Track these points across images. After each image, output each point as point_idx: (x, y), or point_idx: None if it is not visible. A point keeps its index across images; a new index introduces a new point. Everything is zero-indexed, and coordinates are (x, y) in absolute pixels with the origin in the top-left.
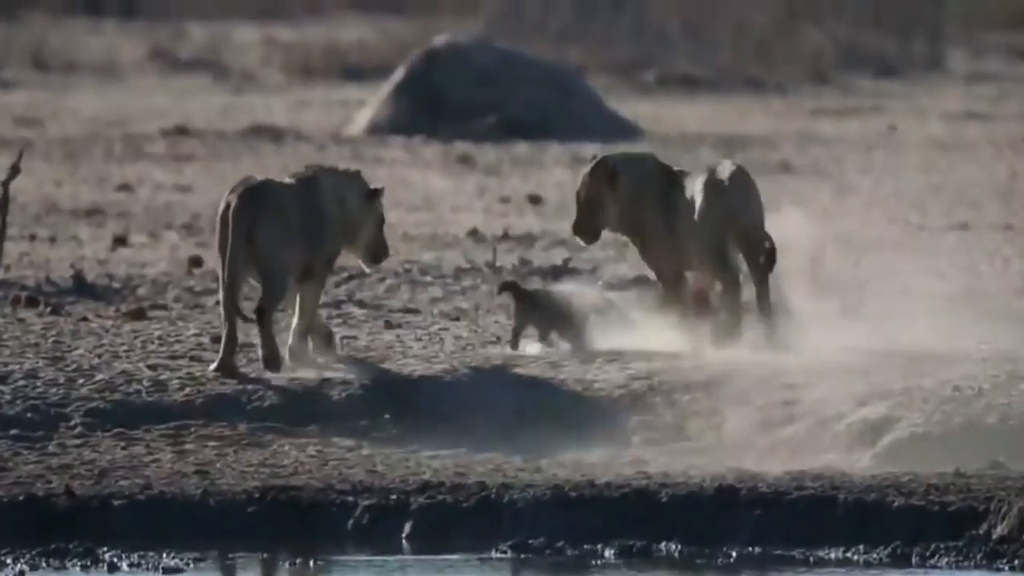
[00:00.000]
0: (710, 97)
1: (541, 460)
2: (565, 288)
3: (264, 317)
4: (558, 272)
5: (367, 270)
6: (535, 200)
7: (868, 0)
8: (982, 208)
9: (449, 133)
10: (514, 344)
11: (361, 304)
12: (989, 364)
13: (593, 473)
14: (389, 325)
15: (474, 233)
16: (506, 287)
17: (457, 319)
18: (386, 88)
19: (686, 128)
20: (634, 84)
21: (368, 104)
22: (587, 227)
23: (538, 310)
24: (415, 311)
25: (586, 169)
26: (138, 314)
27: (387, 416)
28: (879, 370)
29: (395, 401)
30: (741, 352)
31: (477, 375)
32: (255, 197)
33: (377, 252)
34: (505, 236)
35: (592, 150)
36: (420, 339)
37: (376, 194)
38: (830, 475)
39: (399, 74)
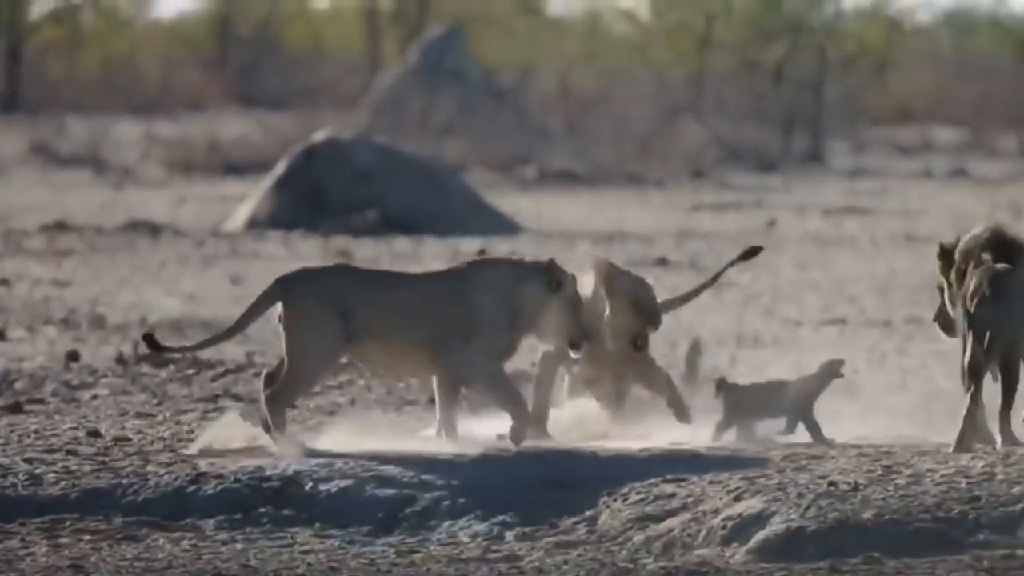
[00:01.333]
0: (590, 193)
1: (415, 554)
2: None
3: None
4: None
5: None
6: None
7: (749, 96)
8: (860, 303)
9: (328, 228)
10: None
11: (237, 398)
12: (865, 459)
13: (467, 569)
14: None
15: None
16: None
17: (333, 413)
18: (266, 183)
19: (565, 224)
20: (514, 180)
21: (248, 199)
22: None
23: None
24: (292, 406)
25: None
26: (15, 408)
27: (262, 509)
28: (755, 465)
29: (271, 494)
30: (616, 445)
31: (354, 469)
32: None
33: None
34: None
35: (471, 245)
36: (296, 434)
37: None
38: (704, 570)
39: (279, 169)
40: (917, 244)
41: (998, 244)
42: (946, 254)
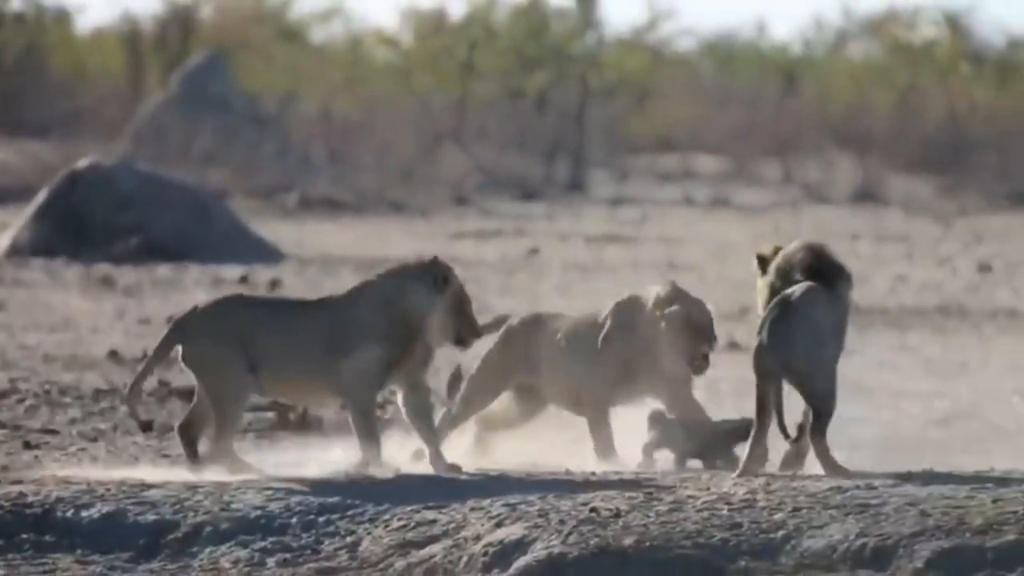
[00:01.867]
0: (353, 220)
1: None
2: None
3: None
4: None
5: None
6: None
7: (511, 124)
8: None
9: (91, 255)
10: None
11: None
12: (627, 485)
13: None
14: (28, 446)
15: (114, 355)
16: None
17: (95, 440)
18: (28, 210)
19: (328, 250)
20: (276, 207)
21: (10, 227)
22: None
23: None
24: (54, 432)
25: None
26: None
27: (24, 536)
28: (516, 491)
29: (33, 521)
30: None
31: (115, 495)
32: None
33: None
34: (145, 357)
35: (233, 272)
36: (58, 460)
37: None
38: None
39: (41, 196)
40: (679, 271)
41: (813, 265)
42: (762, 264)
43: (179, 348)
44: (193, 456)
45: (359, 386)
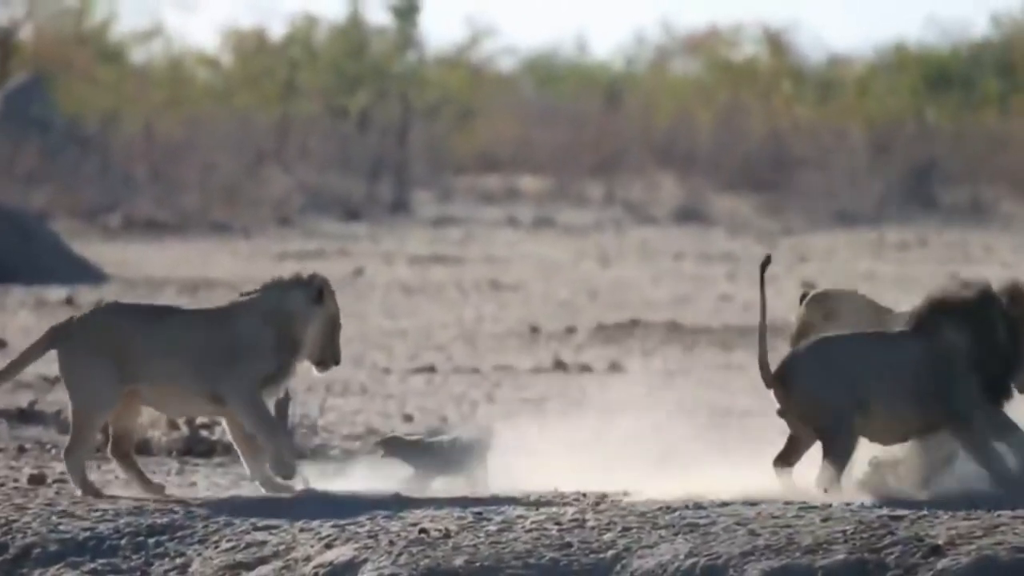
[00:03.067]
0: (176, 241)
1: None
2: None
3: None
4: (25, 416)
5: None
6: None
7: (334, 144)
8: (448, 351)
9: None
10: None
11: None
12: (456, 506)
13: None
14: None
15: None
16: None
17: None
18: None
19: (152, 272)
20: (99, 228)
21: None
22: None
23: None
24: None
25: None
26: None
27: None
28: (346, 512)
29: None
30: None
31: None
32: None
33: None
34: None
35: (57, 293)
36: None
37: None
38: None
39: None
40: (503, 292)
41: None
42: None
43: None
44: (80, 481)
45: (247, 393)
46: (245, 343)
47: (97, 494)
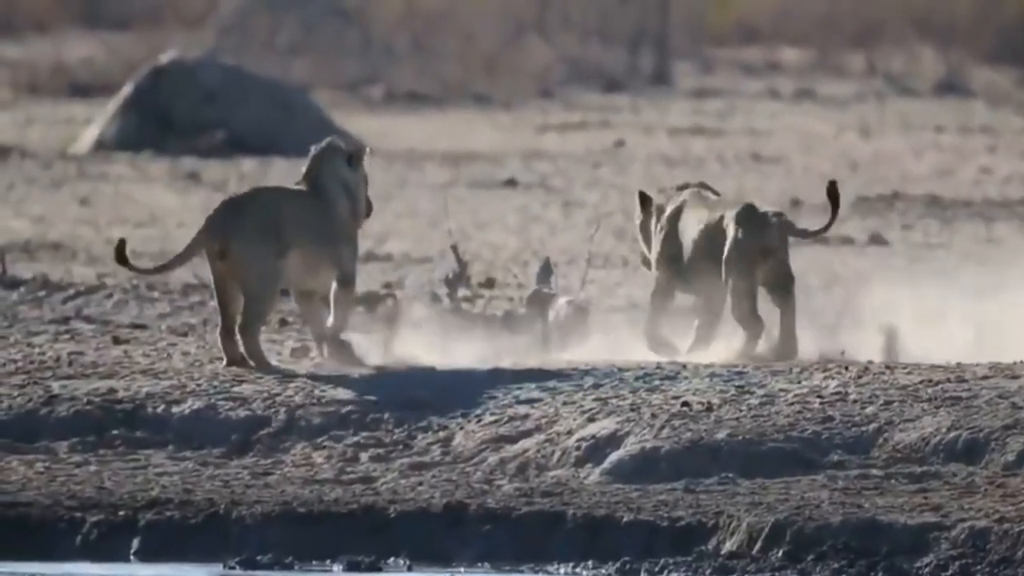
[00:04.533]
0: (437, 112)
1: (270, 476)
2: None
3: None
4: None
5: None
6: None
7: (594, 15)
8: None
9: (176, 149)
10: None
11: (88, 320)
12: (718, 380)
13: (321, 490)
14: (117, 340)
15: None
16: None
17: (185, 335)
18: (112, 105)
19: (413, 144)
20: (360, 100)
21: (95, 121)
22: None
23: None
24: (143, 327)
25: None
26: None
27: (115, 432)
28: (608, 385)
29: (124, 416)
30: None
31: (205, 391)
32: None
33: None
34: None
35: None
36: (148, 355)
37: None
38: (559, 491)
39: (126, 90)
40: (764, 164)
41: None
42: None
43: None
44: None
45: (353, 264)
46: (342, 217)
47: (271, 369)
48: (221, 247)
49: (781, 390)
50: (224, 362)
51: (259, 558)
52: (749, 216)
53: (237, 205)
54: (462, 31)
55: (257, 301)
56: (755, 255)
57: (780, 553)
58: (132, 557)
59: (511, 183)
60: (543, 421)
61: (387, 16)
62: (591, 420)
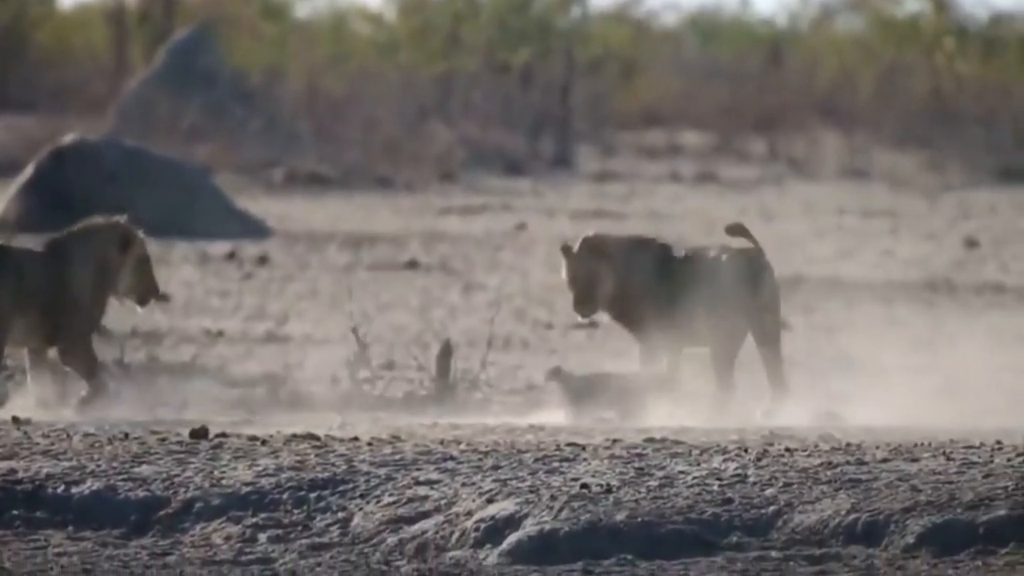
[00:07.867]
0: (339, 195)
1: (168, 557)
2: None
3: None
4: (186, 369)
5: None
6: (162, 298)
7: (496, 99)
8: None
9: None
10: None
11: None
12: (618, 461)
13: (220, 571)
14: (17, 420)
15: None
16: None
17: None
18: (14, 186)
19: (315, 226)
20: (262, 183)
21: None
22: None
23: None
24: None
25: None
26: None
27: (15, 512)
28: (507, 467)
29: (23, 497)
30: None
31: (105, 470)
32: None
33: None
34: (133, 333)
35: (220, 248)
36: (48, 435)
37: None
38: (458, 572)
39: (28, 171)
40: None
41: None
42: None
43: None
44: None
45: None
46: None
47: None
48: None
49: (681, 472)
50: None
51: None
52: None
53: None
54: (365, 115)
55: None
56: None
57: None
58: None
59: (412, 265)
60: (442, 502)
61: (290, 100)
62: (490, 501)
